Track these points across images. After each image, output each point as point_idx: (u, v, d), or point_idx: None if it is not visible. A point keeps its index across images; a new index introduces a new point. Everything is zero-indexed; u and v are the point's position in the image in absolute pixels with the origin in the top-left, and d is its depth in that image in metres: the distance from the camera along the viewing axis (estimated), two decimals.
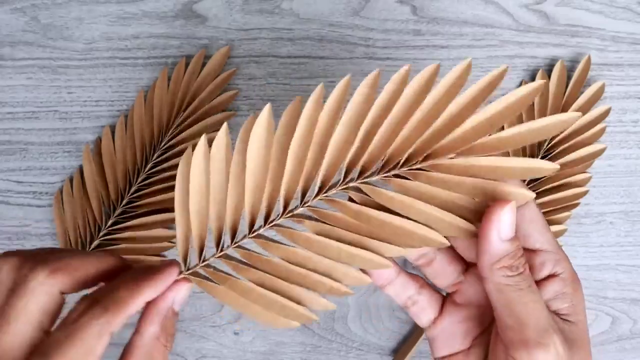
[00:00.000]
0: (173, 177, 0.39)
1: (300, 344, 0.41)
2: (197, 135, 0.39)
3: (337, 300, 0.40)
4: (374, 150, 0.26)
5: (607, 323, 0.41)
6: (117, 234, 0.39)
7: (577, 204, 0.39)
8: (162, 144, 0.39)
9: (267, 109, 0.26)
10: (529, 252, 0.28)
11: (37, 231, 0.40)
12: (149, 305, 0.24)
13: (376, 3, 0.40)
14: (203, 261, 0.26)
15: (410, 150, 0.25)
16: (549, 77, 0.39)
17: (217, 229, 0.26)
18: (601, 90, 0.39)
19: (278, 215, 0.26)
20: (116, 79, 0.40)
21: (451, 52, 0.40)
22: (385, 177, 0.26)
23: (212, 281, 0.26)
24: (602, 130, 0.39)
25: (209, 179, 0.26)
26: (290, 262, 0.26)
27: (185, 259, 0.26)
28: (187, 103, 0.39)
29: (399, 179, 0.26)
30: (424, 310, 0.30)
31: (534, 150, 0.39)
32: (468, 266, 0.29)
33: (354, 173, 0.26)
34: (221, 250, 0.26)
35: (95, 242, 0.39)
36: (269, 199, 0.26)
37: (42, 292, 0.22)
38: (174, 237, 0.40)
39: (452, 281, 0.29)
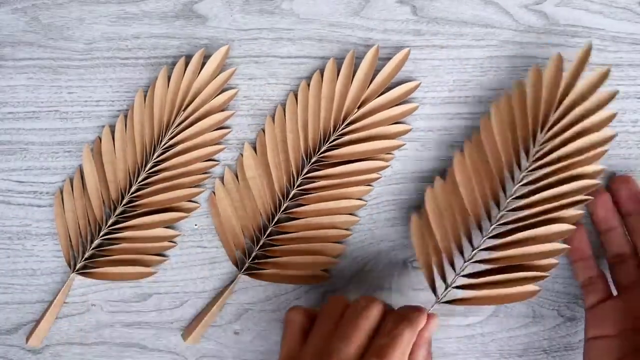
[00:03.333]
0: (173, 177, 0.39)
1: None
2: (197, 135, 0.39)
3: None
4: None
5: None
6: (118, 233, 0.39)
7: (587, 200, 0.36)
8: (162, 143, 0.39)
9: None
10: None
11: (37, 231, 0.40)
12: (420, 333, 0.33)
13: (376, 3, 0.40)
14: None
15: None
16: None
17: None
18: (605, 75, 0.36)
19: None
20: (117, 79, 0.40)
21: (451, 52, 0.40)
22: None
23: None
24: (612, 117, 0.35)
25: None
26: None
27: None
28: (187, 103, 0.39)
29: None
30: (596, 291, 0.37)
31: (529, 136, 0.37)
32: None
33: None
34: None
35: (96, 242, 0.39)
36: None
37: (375, 318, 0.33)
38: (174, 236, 0.40)
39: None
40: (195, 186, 0.40)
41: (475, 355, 0.40)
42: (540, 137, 0.36)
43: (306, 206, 0.39)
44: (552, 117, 0.36)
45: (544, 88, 0.36)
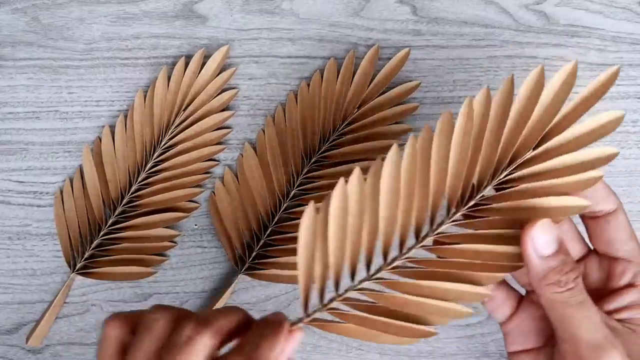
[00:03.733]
0: (173, 177, 0.39)
1: (300, 344, 0.41)
2: (197, 134, 0.39)
3: None
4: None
5: None
6: (118, 233, 0.39)
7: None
8: (162, 143, 0.39)
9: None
10: (610, 260, 0.29)
11: (37, 231, 0.40)
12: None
13: (376, 3, 0.40)
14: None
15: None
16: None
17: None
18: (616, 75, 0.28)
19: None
20: (117, 79, 0.40)
21: (451, 52, 0.40)
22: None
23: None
24: (619, 120, 0.27)
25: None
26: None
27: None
28: (187, 103, 0.39)
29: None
30: (500, 306, 0.31)
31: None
32: None
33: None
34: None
35: (96, 242, 0.39)
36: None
37: (204, 353, 0.24)
38: (174, 236, 0.40)
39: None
40: (195, 186, 0.40)
41: (475, 355, 0.40)
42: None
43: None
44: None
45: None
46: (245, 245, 0.40)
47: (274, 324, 0.25)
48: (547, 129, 0.27)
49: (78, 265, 0.39)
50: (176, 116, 0.39)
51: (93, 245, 0.39)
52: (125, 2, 0.40)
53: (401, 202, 0.27)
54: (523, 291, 0.32)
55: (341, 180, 0.25)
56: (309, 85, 0.39)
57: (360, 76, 0.39)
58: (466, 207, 0.28)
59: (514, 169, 0.27)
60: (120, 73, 0.40)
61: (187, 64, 0.39)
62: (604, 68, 0.40)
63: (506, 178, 0.27)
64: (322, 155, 0.39)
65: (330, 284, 0.26)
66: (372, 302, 0.27)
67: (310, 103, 0.39)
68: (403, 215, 0.27)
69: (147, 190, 0.39)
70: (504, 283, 0.31)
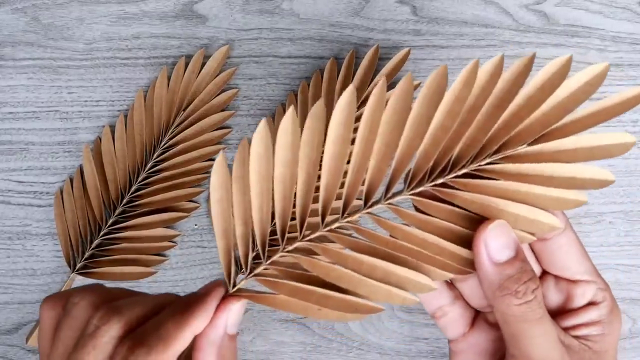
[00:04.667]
0: (173, 177, 0.39)
1: (301, 344, 0.41)
2: (197, 134, 0.39)
3: None
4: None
5: None
6: (118, 233, 0.39)
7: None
8: (162, 143, 0.39)
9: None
10: (568, 282, 0.26)
11: (37, 231, 0.40)
12: (198, 337, 0.22)
13: (376, 3, 0.40)
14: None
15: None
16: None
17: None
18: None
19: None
20: (117, 79, 0.40)
21: (451, 52, 0.40)
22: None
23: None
24: (627, 146, 0.24)
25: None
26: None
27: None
28: (187, 103, 0.39)
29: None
30: (453, 323, 0.27)
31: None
32: None
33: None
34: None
35: (96, 242, 0.39)
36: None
37: (110, 345, 0.21)
38: (174, 236, 0.40)
39: (486, 302, 0.27)
40: (195, 186, 0.40)
41: None
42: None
43: None
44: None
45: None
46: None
47: (190, 300, 0.22)
48: (551, 128, 0.23)
49: (78, 265, 0.39)
50: (176, 116, 0.39)
51: (93, 245, 0.39)
52: (125, 2, 0.40)
53: (354, 156, 0.23)
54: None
55: (263, 121, 0.21)
56: (309, 85, 0.39)
57: (360, 76, 0.39)
58: (432, 182, 0.23)
59: (499, 158, 0.23)
60: (120, 73, 0.40)
61: (187, 64, 0.39)
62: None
63: (487, 167, 0.23)
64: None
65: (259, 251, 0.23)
66: (306, 272, 0.23)
67: (310, 103, 0.39)
68: (353, 171, 0.23)
69: (147, 190, 0.39)
70: (460, 298, 0.27)
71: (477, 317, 0.28)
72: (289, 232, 0.24)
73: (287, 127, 0.22)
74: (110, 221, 0.39)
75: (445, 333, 0.28)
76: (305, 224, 0.23)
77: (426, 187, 0.23)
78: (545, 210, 0.23)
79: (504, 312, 0.23)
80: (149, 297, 0.23)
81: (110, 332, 0.21)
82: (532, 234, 0.24)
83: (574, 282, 0.26)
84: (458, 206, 0.23)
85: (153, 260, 0.40)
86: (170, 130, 0.39)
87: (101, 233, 0.39)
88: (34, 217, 0.40)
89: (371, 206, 0.23)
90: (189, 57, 0.39)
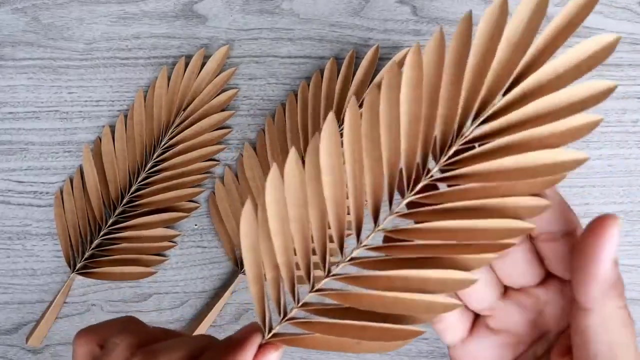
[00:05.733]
0: (173, 177, 0.39)
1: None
2: (197, 134, 0.39)
3: None
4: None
5: None
6: (118, 233, 0.39)
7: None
8: (162, 143, 0.39)
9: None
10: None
11: (37, 231, 0.40)
12: None
13: (376, 3, 0.40)
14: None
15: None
16: None
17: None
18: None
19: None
20: (117, 79, 0.40)
21: None
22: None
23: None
24: (612, 46, 0.21)
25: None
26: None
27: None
28: (186, 103, 0.39)
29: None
30: (450, 328, 0.25)
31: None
32: (507, 290, 0.25)
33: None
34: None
35: (96, 242, 0.39)
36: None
37: None
38: (174, 236, 0.40)
39: (486, 306, 0.25)
40: (195, 186, 0.40)
41: None
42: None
43: None
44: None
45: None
46: None
47: (229, 348, 0.22)
48: (517, 70, 0.21)
49: (78, 265, 0.39)
50: (176, 116, 0.39)
51: (93, 245, 0.39)
52: (125, 2, 0.40)
53: (349, 181, 0.22)
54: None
55: (274, 167, 0.21)
56: (309, 85, 0.39)
57: (360, 76, 0.39)
58: (429, 176, 0.22)
59: (481, 122, 0.21)
60: (120, 73, 0.40)
61: (187, 64, 0.39)
62: (604, 68, 0.40)
63: (473, 135, 0.21)
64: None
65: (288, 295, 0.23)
66: (338, 305, 0.22)
67: (310, 103, 0.39)
68: (354, 195, 0.22)
69: (147, 190, 0.39)
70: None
71: (477, 321, 0.26)
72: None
73: (291, 169, 0.22)
74: (110, 221, 0.39)
75: (443, 338, 0.26)
76: (328, 261, 0.23)
77: (426, 181, 0.22)
78: (564, 146, 0.20)
79: (609, 316, 0.21)
80: (185, 340, 0.23)
81: None
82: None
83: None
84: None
85: (153, 260, 0.40)
86: (170, 130, 0.39)
87: (101, 233, 0.39)
88: (34, 217, 0.40)
89: (383, 221, 0.23)
90: (189, 57, 0.39)
